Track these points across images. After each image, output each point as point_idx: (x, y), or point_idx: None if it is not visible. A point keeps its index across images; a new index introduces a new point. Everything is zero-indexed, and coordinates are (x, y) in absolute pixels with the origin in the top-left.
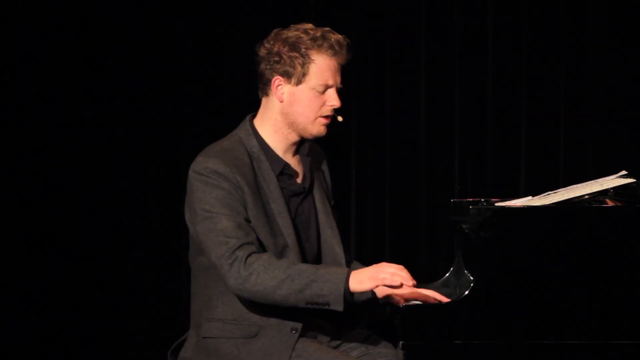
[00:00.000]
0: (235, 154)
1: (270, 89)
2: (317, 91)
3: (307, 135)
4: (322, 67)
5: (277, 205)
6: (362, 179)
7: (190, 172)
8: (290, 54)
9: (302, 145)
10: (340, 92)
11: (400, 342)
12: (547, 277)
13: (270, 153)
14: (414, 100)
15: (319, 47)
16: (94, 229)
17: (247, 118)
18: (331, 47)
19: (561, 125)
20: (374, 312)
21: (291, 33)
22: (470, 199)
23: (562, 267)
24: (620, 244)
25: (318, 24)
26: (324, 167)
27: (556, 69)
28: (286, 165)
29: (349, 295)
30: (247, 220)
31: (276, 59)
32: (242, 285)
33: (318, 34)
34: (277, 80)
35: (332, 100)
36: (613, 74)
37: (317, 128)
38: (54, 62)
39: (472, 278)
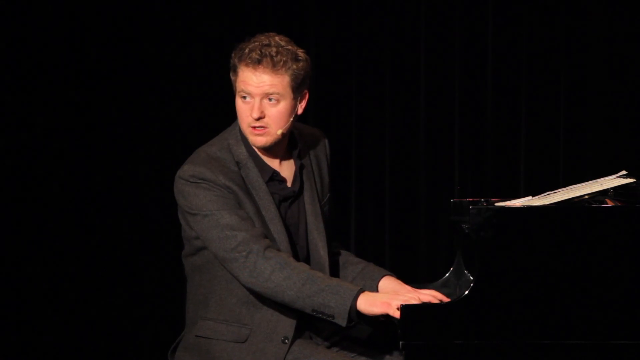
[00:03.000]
0: (222, 163)
1: None
2: (242, 101)
3: (252, 144)
4: (240, 76)
5: (269, 212)
6: (362, 178)
7: (178, 179)
8: (232, 67)
9: (292, 145)
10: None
11: (400, 342)
12: (547, 277)
13: (258, 160)
14: (414, 100)
15: (240, 58)
16: (93, 229)
17: (237, 121)
18: (247, 58)
19: (561, 125)
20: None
21: (238, 46)
22: (470, 199)
23: (562, 267)
24: (620, 244)
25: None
26: (323, 154)
27: (556, 69)
28: (275, 172)
29: (354, 313)
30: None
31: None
32: (256, 279)
33: (246, 47)
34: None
35: (252, 110)
36: (613, 74)
37: (251, 138)
38: (53, 64)
39: (472, 278)
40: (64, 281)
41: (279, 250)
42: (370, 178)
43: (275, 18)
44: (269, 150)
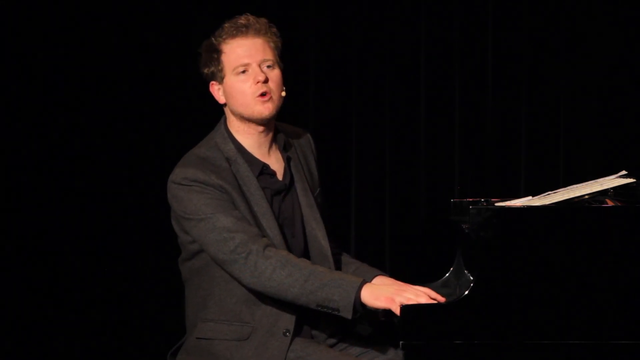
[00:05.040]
0: (213, 161)
1: (214, 96)
2: (238, 75)
3: (255, 119)
4: (229, 53)
5: (260, 207)
6: (362, 179)
7: (170, 184)
8: (208, 56)
9: (277, 138)
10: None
11: (400, 342)
12: (547, 277)
13: (247, 155)
14: (414, 100)
15: (222, 37)
16: (94, 230)
17: (222, 120)
18: (231, 31)
19: (561, 125)
20: (373, 312)
21: (210, 37)
22: (470, 199)
23: (562, 267)
24: (620, 244)
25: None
26: (309, 150)
27: (556, 69)
28: (265, 165)
29: (359, 305)
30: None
31: (204, 67)
32: (258, 279)
33: (222, 27)
34: (212, 85)
35: (255, 76)
36: (613, 74)
37: (257, 109)
38: (52, 65)
39: (472, 278)
40: (64, 282)
41: (280, 249)
42: (370, 178)
43: (275, 17)
44: (266, 125)
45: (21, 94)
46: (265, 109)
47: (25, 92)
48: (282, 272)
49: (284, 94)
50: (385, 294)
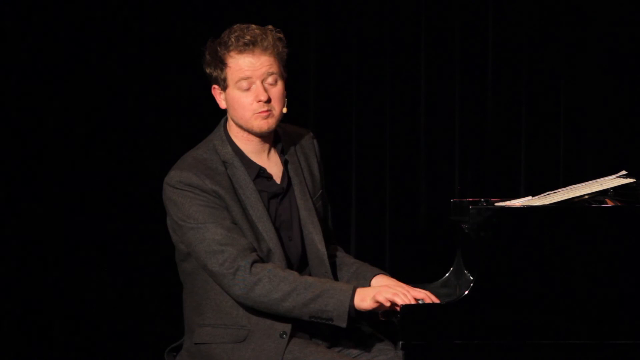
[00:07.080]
0: (209, 164)
1: (216, 99)
2: (241, 90)
3: (254, 132)
4: (234, 67)
5: (256, 211)
6: (362, 179)
7: (165, 186)
8: (213, 61)
9: (276, 141)
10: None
11: (400, 342)
12: (547, 277)
13: (245, 158)
14: (414, 100)
15: (228, 49)
16: (93, 231)
17: (222, 122)
18: (238, 46)
19: (561, 125)
20: (372, 312)
21: (217, 40)
22: (470, 199)
23: (562, 267)
24: (620, 244)
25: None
26: (311, 151)
27: (556, 69)
28: (261, 168)
29: (353, 312)
30: (234, 223)
31: (207, 68)
32: (247, 295)
33: (229, 37)
34: (214, 89)
35: (257, 95)
36: (613, 74)
37: (257, 123)
38: (51, 65)
39: (472, 278)
40: (63, 283)
41: (264, 261)
42: (370, 178)
43: (274, 17)
44: (263, 137)
45: (18, 94)
46: (265, 124)
47: (23, 91)
48: (270, 287)
49: (285, 110)
50: (371, 293)
